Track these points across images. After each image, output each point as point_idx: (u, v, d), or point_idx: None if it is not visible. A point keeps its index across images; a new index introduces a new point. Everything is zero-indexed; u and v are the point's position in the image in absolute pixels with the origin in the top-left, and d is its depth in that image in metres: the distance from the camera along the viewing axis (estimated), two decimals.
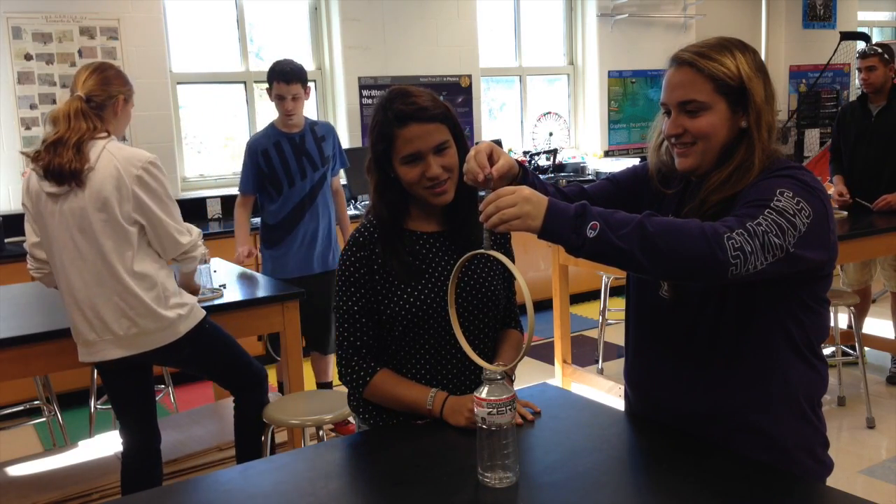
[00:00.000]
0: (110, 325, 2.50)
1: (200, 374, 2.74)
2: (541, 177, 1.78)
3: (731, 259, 1.35)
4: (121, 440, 2.73)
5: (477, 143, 1.62)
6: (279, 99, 3.75)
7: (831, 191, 4.35)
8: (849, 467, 3.43)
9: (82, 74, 2.54)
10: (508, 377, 1.72)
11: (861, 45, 7.43)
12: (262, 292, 3.21)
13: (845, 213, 4.19)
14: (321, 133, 3.91)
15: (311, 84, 4.10)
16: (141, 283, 2.50)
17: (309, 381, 3.93)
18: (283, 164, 3.79)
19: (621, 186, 1.80)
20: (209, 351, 2.72)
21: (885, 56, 4.17)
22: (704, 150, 1.57)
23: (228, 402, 3.08)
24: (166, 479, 3.07)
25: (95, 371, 3.75)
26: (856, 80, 8.26)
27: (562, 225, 1.39)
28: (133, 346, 2.53)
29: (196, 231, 2.64)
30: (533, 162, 6.51)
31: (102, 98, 2.51)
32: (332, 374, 4.13)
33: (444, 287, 1.79)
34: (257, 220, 4.06)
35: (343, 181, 5.41)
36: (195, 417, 3.30)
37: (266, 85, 3.81)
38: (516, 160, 1.66)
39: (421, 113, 1.72)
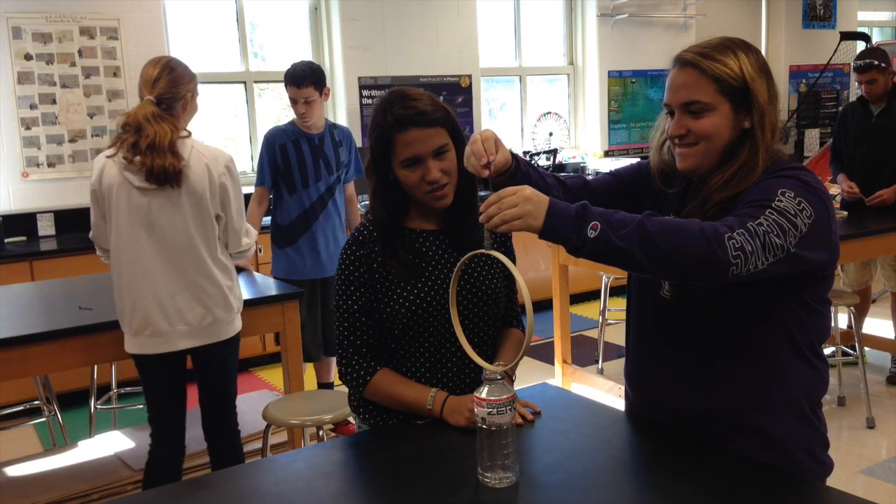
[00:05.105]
0: (185, 314, 2.62)
1: (208, 385, 2.81)
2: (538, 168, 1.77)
3: (732, 259, 1.35)
4: (150, 437, 2.79)
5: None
6: (292, 102, 3.75)
7: (834, 189, 4.34)
8: (849, 467, 3.43)
9: (150, 74, 2.61)
10: (508, 377, 1.72)
11: (860, 44, 7.42)
12: (262, 292, 3.21)
13: (845, 213, 4.19)
14: (339, 138, 3.91)
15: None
16: (222, 272, 2.69)
17: (310, 382, 3.93)
18: (299, 162, 3.77)
19: (624, 182, 1.80)
20: (232, 360, 2.83)
21: (882, 65, 4.14)
22: (707, 150, 1.57)
23: None
24: None
25: (95, 371, 3.76)
26: (855, 82, 8.28)
27: (563, 225, 1.39)
28: (203, 337, 2.66)
29: (254, 235, 2.85)
30: (533, 162, 6.51)
31: (171, 99, 2.61)
32: (334, 374, 4.13)
33: (443, 286, 1.79)
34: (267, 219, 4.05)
35: None
36: (195, 417, 3.29)
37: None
38: (510, 151, 1.66)
39: (421, 118, 1.72)
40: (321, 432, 2.75)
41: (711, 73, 1.53)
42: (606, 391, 3.94)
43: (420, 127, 1.72)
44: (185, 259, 2.61)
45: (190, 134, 2.64)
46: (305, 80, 3.69)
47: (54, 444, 3.80)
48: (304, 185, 3.78)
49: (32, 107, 4.83)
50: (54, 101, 4.88)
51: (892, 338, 4.54)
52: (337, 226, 3.92)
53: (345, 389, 1.91)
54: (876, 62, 4.13)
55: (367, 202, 1.90)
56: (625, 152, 7.19)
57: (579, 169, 6.75)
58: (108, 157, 2.58)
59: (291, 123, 3.85)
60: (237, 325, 2.77)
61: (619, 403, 1.92)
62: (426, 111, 1.72)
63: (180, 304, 2.61)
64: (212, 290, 2.65)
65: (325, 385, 4.10)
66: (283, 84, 3.79)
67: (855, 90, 8.34)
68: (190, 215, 2.59)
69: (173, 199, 2.56)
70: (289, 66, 3.75)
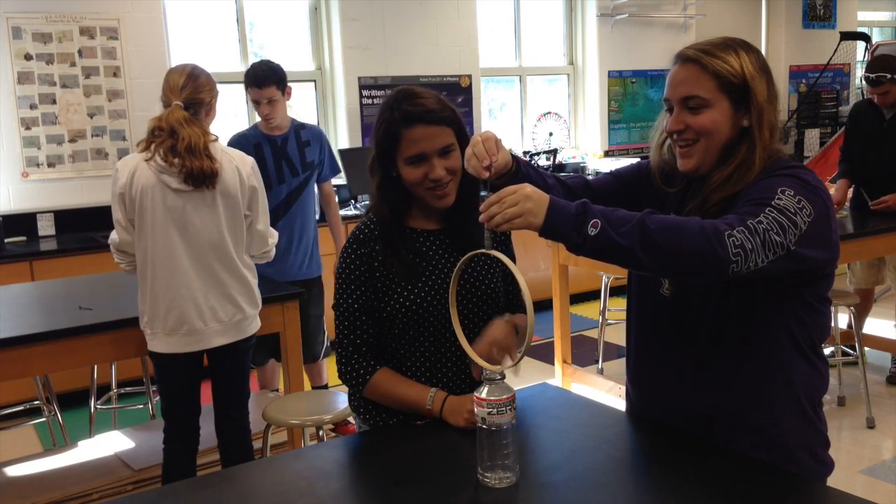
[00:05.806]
0: (217, 311, 2.71)
1: (226, 381, 2.87)
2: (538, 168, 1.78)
3: (732, 256, 1.35)
4: (164, 433, 2.84)
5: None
6: (255, 104, 3.72)
7: (832, 189, 4.33)
8: (849, 467, 3.43)
9: (176, 81, 2.67)
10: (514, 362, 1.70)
11: (861, 44, 7.41)
12: (261, 293, 3.20)
13: (846, 212, 4.18)
14: (306, 138, 3.83)
15: (292, 84, 3.91)
16: (249, 270, 2.81)
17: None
18: (260, 166, 3.72)
19: (624, 181, 1.80)
20: (249, 356, 2.91)
21: (894, 77, 4.11)
22: (706, 148, 1.57)
23: None
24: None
25: (95, 371, 3.76)
26: (857, 80, 8.27)
27: (563, 222, 1.39)
28: (234, 333, 2.75)
29: (276, 236, 2.94)
30: (533, 162, 6.51)
31: (197, 104, 2.70)
32: (326, 377, 4.11)
33: (443, 286, 1.79)
34: None
35: (343, 181, 5.41)
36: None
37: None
38: (510, 152, 1.67)
39: (428, 115, 1.72)
40: (321, 432, 2.75)
41: (712, 69, 1.54)
42: (606, 391, 3.94)
43: (427, 124, 1.72)
44: (216, 258, 2.69)
45: (217, 138, 2.71)
46: (267, 79, 3.64)
47: (54, 444, 3.80)
48: (268, 189, 3.73)
49: (32, 107, 4.83)
50: (54, 101, 4.88)
51: (893, 338, 4.54)
52: (300, 229, 3.83)
53: (343, 390, 1.90)
54: (888, 76, 4.09)
55: (367, 202, 1.90)
56: (625, 152, 7.19)
57: (579, 169, 6.75)
58: (147, 160, 2.60)
59: (254, 127, 3.80)
60: (258, 321, 2.86)
61: (620, 403, 1.92)
62: (434, 109, 1.73)
63: (213, 302, 2.69)
64: (240, 288, 2.75)
65: (318, 388, 4.08)
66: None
67: (855, 90, 8.35)
68: (223, 216, 2.68)
69: (207, 200, 2.65)
70: (248, 68, 3.73)
